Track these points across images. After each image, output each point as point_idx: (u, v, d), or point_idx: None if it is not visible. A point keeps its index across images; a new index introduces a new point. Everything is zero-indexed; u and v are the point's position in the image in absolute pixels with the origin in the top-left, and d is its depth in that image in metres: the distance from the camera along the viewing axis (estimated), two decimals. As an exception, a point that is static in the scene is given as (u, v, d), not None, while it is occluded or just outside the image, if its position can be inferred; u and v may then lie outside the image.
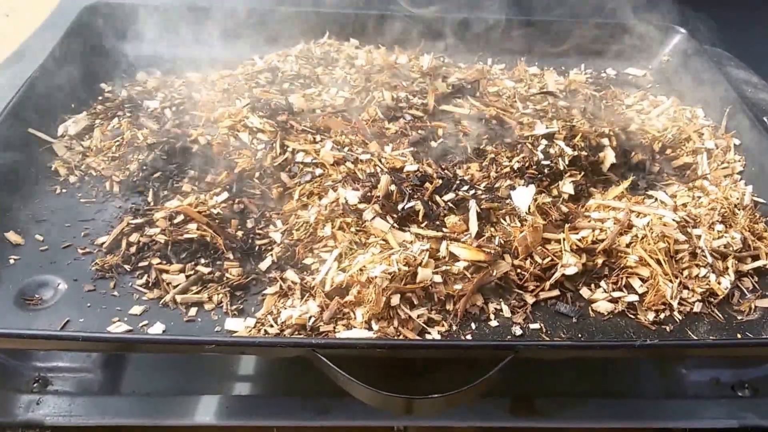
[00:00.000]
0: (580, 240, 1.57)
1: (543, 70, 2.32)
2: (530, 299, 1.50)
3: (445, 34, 2.40)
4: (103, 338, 1.30)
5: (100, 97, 2.06)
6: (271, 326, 1.40)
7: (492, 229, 1.58)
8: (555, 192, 1.71)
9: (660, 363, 1.74)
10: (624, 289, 1.52)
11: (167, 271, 1.49)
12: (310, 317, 1.41)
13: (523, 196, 1.62)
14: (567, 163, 1.74)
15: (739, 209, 1.71)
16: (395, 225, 1.53)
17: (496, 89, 2.10)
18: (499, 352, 1.27)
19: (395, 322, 1.40)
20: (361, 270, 1.43)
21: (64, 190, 1.74)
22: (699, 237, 1.59)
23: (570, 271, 1.52)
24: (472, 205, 1.58)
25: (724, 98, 2.08)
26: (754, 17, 2.50)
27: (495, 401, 1.61)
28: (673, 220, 1.59)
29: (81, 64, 2.09)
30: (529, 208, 1.60)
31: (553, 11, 2.47)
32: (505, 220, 1.60)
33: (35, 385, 1.56)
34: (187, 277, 1.48)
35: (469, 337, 1.41)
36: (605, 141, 1.82)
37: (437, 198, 1.60)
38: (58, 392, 1.56)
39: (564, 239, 1.56)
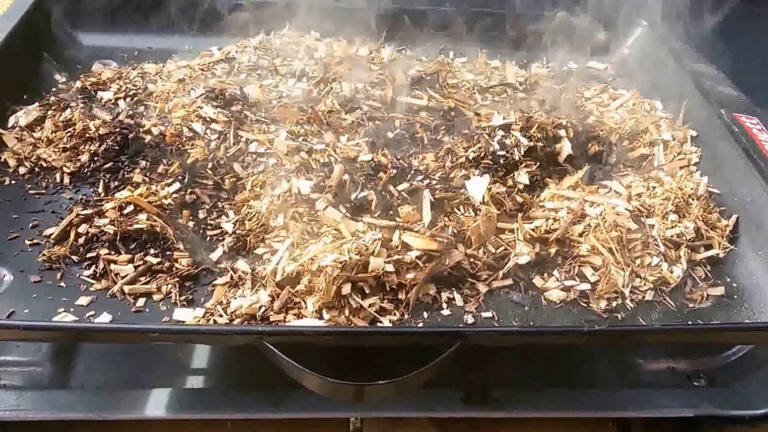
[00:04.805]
0: (533, 229, 1.57)
1: (504, 63, 2.32)
2: (483, 288, 1.50)
3: (407, 27, 2.40)
4: (45, 327, 1.27)
5: (54, 89, 2.03)
6: (221, 316, 1.39)
7: (446, 218, 1.57)
8: (510, 182, 1.70)
9: (616, 352, 1.74)
10: (576, 278, 1.53)
11: (115, 262, 1.47)
12: (260, 307, 1.39)
13: (477, 186, 1.62)
14: (522, 153, 1.73)
15: (693, 199, 1.72)
16: (348, 214, 1.52)
17: (456, 81, 2.10)
18: (447, 339, 1.26)
19: (346, 311, 1.39)
20: (312, 259, 1.41)
21: (13, 182, 1.71)
22: (652, 226, 1.59)
23: (523, 260, 1.52)
24: (426, 194, 1.57)
25: (683, 90, 2.09)
26: (716, 10, 2.52)
27: (449, 391, 1.60)
28: (626, 209, 1.59)
29: (35, 54, 2.06)
30: (483, 198, 1.60)
31: (517, 4, 2.46)
32: (459, 209, 1.59)
33: (-19, 379, 1.53)
34: (136, 267, 1.46)
35: (420, 325, 1.40)
36: (562, 132, 1.82)
37: (391, 188, 1.59)
38: (5, 386, 1.53)
39: (517, 228, 1.56)
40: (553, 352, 1.71)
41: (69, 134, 1.79)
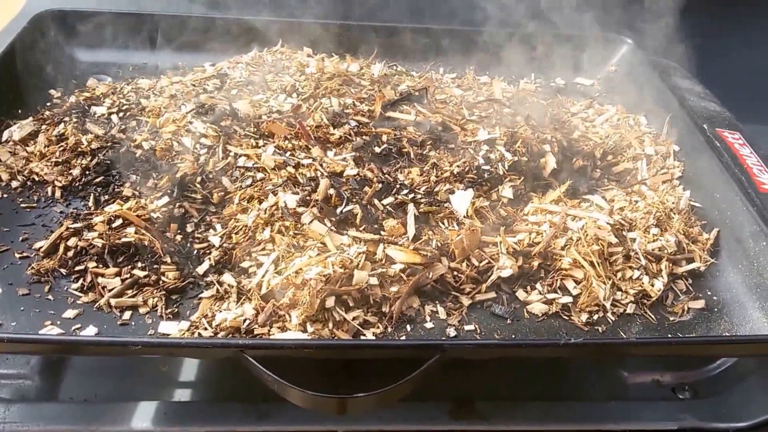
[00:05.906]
0: (516, 243, 1.59)
1: (492, 79, 2.34)
2: (466, 301, 1.52)
3: (399, 44, 2.43)
4: (29, 339, 1.29)
5: (48, 104, 2.05)
6: (205, 329, 1.40)
7: (430, 232, 1.59)
8: (495, 196, 1.72)
9: (600, 365, 1.75)
10: (558, 291, 1.54)
11: (103, 275, 1.49)
12: (244, 320, 1.41)
13: (461, 200, 1.64)
14: (507, 168, 1.76)
15: (674, 213, 1.74)
16: (333, 228, 1.54)
17: (444, 97, 2.13)
18: (426, 352, 1.27)
19: (330, 325, 1.41)
20: (296, 272, 1.43)
21: (5, 195, 1.73)
22: (633, 240, 1.61)
23: (506, 273, 1.54)
24: (410, 208, 1.59)
25: (667, 106, 2.12)
26: (701, 27, 2.55)
27: (435, 404, 1.61)
28: (607, 223, 1.61)
29: (30, 70, 2.08)
30: (467, 212, 1.62)
31: (505, 21, 2.49)
32: (443, 223, 1.62)
33: (-32, 392, 1.54)
34: (123, 280, 1.48)
35: (403, 338, 1.42)
36: (546, 147, 1.84)
37: (376, 202, 1.61)
38: (-8, 399, 1.55)
39: (501, 242, 1.58)
40: (539, 364, 1.72)
41: (61, 148, 1.82)
